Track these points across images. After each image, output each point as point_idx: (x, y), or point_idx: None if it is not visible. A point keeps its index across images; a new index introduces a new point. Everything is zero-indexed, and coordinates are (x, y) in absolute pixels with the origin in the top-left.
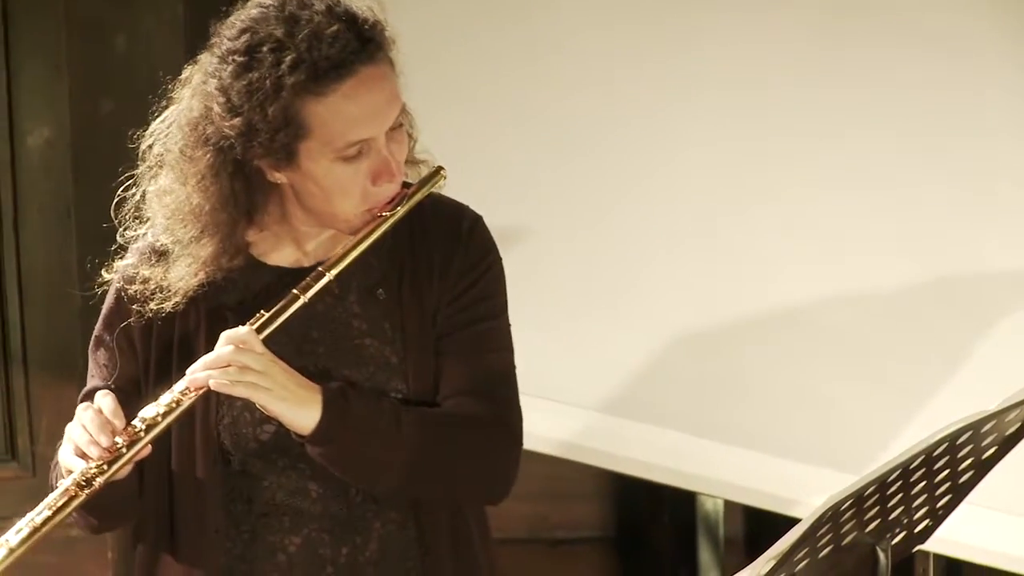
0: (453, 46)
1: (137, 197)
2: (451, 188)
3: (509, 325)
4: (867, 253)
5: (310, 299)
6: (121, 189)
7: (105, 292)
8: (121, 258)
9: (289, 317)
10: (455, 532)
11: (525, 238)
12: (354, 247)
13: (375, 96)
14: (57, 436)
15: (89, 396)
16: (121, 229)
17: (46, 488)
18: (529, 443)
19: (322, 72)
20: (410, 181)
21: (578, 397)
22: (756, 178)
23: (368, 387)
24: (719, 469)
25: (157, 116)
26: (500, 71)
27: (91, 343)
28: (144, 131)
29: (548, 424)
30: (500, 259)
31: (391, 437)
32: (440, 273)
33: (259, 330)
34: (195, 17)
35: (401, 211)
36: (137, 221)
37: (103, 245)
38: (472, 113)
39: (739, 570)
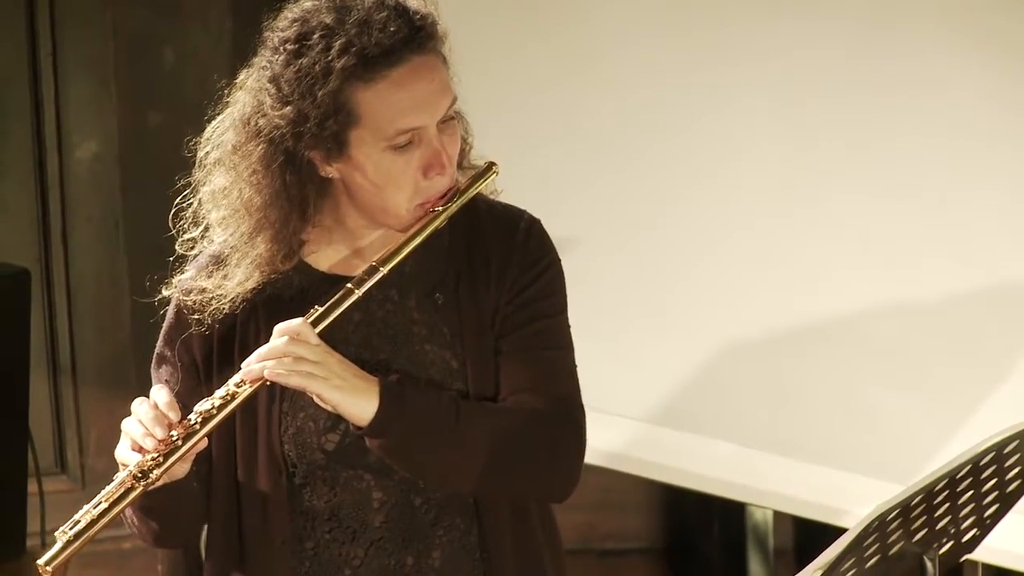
0: (498, 54)
1: (195, 205)
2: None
3: (569, 325)
4: (914, 262)
5: (364, 294)
6: (179, 199)
7: (165, 310)
8: (180, 272)
9: (347, 319)
10: (519, 538)
11: (572, 248)
12: (408, 242)
13: (424, 85)
14: (107, 449)
15: None
16: (180, 238)
17: None
18: None
19: (371, 58)
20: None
21: (627, 408)
22: (803, 187)
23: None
24: (768, 480)
25: (212, 121)
26: (545, 81)
27: (153, 360)
28: (199, 138)
29: (598, 435)
30: (559, 260)
31: (450, 427)
32: (498, 275)
33: (314, 324)
34: (243, 30)
35: (454, 205)
36: (194, 227)
37: (151, 257)
38: (517, 123)
39: None
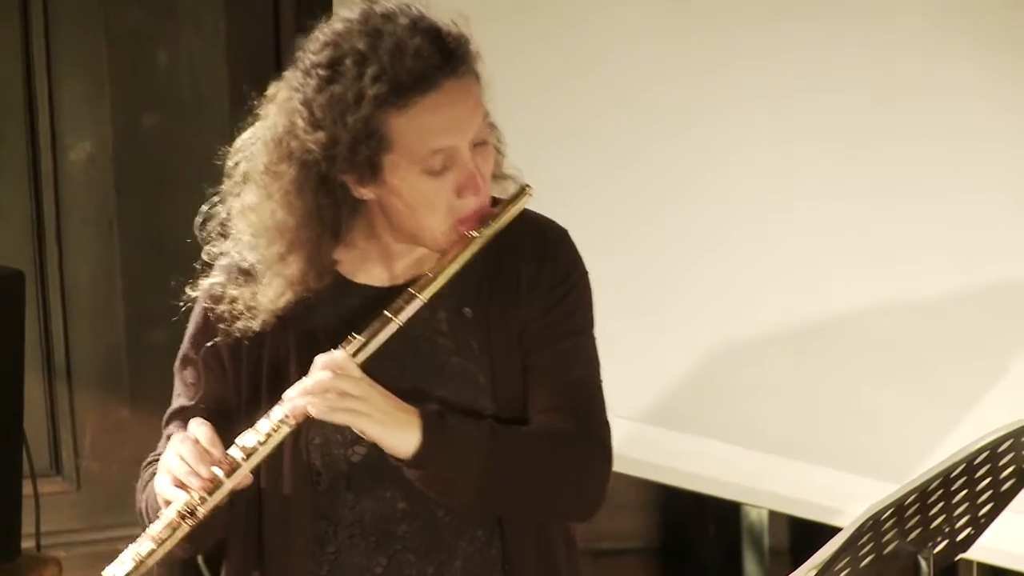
0: (499, 56)
1: (223, 215)
2: None
3: (595, 340)
4: (912, 261)
5: (404, 323)
6: (207, 207)
7: (188, 310)
8: (205, 276)
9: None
10: (541, 551)
11: None
12: (445, 268)
13: (460, 108)
14: (102, 450)
15: (175, 416)
16: (206, 247)
17: (92, 502)
18: None
19: (404, 85)
20: (497, 197)
21: (622, 408)
22: (803, 186)
23: (457, 404)
24: (764, 479)
25: (242, 132)
26: (545, 82)
27: (177, 362)
28: (228, 148)
29: None
30: (586, 273)
31: (489, 460)
32: (528, 289)
33: (354, 355)
34: (237, 31)
35: (489, 231)
36: (222, 239)
37: (145, 258)
38: (517, 123)
39: None
